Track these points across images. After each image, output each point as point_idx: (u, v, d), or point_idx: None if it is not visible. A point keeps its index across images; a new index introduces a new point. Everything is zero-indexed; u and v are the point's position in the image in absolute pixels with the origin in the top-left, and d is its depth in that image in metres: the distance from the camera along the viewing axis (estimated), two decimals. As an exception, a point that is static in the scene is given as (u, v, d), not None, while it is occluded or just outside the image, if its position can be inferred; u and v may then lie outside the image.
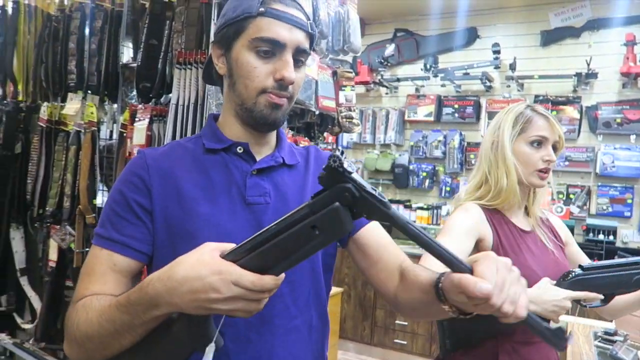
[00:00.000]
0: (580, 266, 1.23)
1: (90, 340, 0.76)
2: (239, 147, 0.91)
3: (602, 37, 3.83)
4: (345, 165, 0.62)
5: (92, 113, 2.17)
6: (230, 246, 0.69)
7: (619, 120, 3.70)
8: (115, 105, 2.19)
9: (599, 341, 1.71)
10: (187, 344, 0.73)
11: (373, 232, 0.94)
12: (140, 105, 1.96)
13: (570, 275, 1.22)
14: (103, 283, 0.83)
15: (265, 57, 0.85)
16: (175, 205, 0.86)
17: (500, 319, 0.63)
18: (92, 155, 2.15)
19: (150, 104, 2.00)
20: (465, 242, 1.22)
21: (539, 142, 1.25)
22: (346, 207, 0.62)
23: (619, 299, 1.28)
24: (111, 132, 2.34)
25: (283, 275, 0.68)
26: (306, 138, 2.00)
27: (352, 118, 2.04)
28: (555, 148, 1.27)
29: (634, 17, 3.71)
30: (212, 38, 1.54)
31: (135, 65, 2.01)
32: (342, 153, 0.68)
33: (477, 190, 1.31)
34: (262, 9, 0.84)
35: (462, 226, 1.24)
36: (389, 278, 0.91)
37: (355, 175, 0.62)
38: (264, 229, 0.67)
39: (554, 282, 1.21)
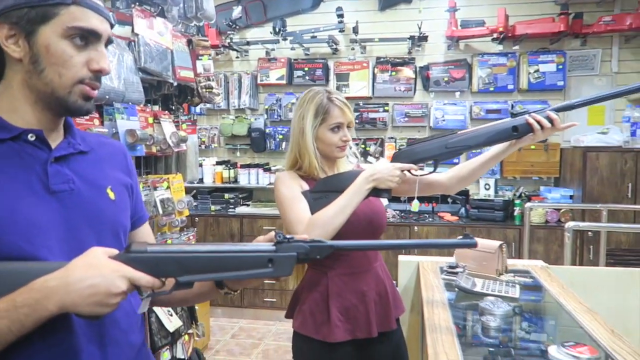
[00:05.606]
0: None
1: None
2: (31, 135, 0.85)
3: (430, 4, 4.24)
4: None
5: None
6: (114, 251, 0.79)
7: (446, 79, 4.19)
8: None
9: (445, 274, 2.01)
10: None
11: (147, 231, 1.10)
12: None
13: (395, 152, 1.57)
14: None
15: (80, 47, 0.86)
16: None
17: None
18: None
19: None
20: (302, 199, 1.53)
21: (337, 127, 1.57)
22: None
23: (467, 166, 1.62)
24: None
25: None
26: (166, 111, 1.90)
27: (211, 88, 2.00)
28: (348, 127, 1.61)
29: (454, -15, 4.16)
30: None
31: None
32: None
33: (293, 166, 1.63)
34: None
35: (291, 189, 1.55)
36: None
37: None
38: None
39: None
